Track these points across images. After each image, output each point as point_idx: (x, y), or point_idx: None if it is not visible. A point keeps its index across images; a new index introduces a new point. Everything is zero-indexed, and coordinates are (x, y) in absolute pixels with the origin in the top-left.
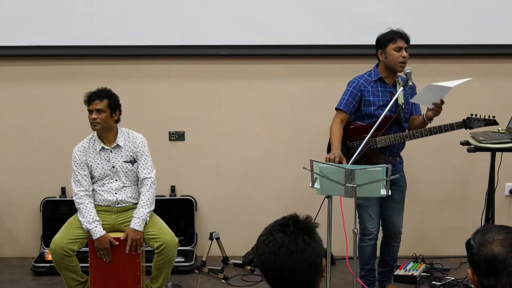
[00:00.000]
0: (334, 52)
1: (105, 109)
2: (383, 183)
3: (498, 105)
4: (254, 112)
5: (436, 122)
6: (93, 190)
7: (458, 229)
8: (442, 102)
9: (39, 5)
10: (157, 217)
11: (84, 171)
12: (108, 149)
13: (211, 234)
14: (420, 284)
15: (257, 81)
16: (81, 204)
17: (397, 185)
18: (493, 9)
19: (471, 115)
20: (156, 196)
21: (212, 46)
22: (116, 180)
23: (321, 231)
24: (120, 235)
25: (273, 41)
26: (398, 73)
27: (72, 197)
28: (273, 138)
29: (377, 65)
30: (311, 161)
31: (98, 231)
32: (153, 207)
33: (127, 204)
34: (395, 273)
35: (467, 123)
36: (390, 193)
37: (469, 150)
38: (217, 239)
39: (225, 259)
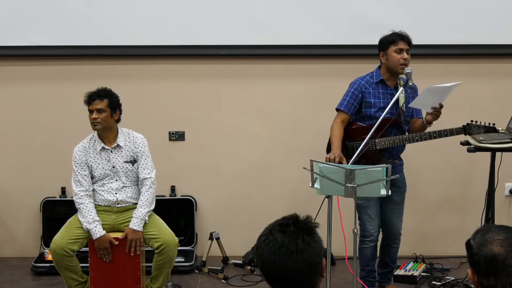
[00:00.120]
0: (334, 52)
1: (105, 109)
2: (383, 183)
3: (498, 105)
4: (254, 112)
5: (437, 123)
6: (93, 190)
7: (458, 229)
8: (441, 106)
9: (39, 5)
10: (157, 217)
11: (84, 171)
12: (108, 149)
13: (211, 234)
14: (420, 284)
15: (257, 81)
16: (81, 204)
17: (397, 186)
18: (493, 9)
19: (471, 121)
20: (156, 196)
21: (212, 46)
22: (116, 180)
23: (321, 231)
24: (120, 235)
25: (273, 41)
26: (400, 75)
27: (72, 197)
28: (273, 138)
29: (379, 67)
30: (311, 161)
31: (98, 231)
32: (152, 207)
33: (127, 204)
34: (395, 273)
35: (467, 129)
36: (390, 193)
37: (469, 150)
38: (217, 239)
39: (225, 259)
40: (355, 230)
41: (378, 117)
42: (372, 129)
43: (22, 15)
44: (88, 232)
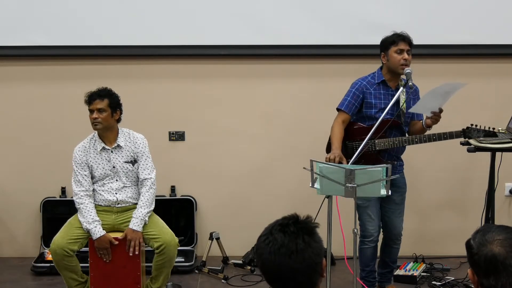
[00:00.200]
0: (334, 52)
1: (106, 109)
2: (383, 183)
3: (498, 105)
4: (254, 112)
5: (437, 126)
6: (93, 190)
7: (458, 229)
8: (440, 111)
9: (39, 5)
10: (157, 217)
11: (85, 171)
12: (108, 149)
13: (211, 234)
14: (420, 284)
15: (257, 81)
16: (81, 204)
17: (397, 186)
18: (493, 9)
19: (471, 125)
20: (156, 196)
21: (212, 46)
22: (116, 180)
23: (321, 231)
24: (120, 235)
25: (273, 41)
26: (401, 76)
27: (72, 197)
28: (273, 138)
29: (381, 68)
30: (311, 161)
31: (98, 231)
32: (152, 208)
33: (127, 204)
34: (395, 273)
35: (467, 133)
36: (390, 193)
37: (469, 150)
38: (217, 239)
39: (225, 259)
40: (355, 230)
41: (378, 118)
42: (371, 129)
43: (22, 15)
44: (88, 232)
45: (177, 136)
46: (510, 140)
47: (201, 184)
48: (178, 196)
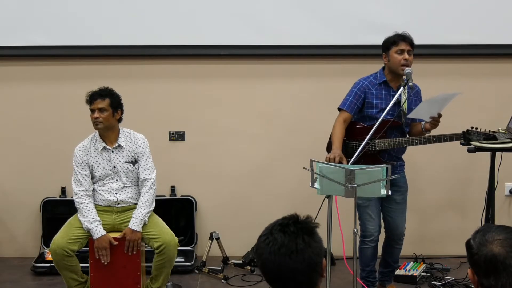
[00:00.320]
0: (334, 52)
1: (107, 108)
2: (383, 183)
3: (498, 105)
4: (254, 112)
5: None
6: (93, 190)
7: (458, 229)
8: (439, 115)
9: (39, 5)
10: (157, 217)
11: (85, 170)
12: (109, 149)
13: (211, 234)
14: (420, 284)
15: (257, 81)
16: (81, 204)
17: (398, 186)
18: (493, 9)
19: (471, 127)
20: (156, 196)
21: (212, 46)
22: (116, 180)
23: (321, 231)
24: (119, 235)
25: (273, 41)
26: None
27: (72, 197)
28: (273, 138)
29: (383, 68)
30: (311, 161)
31: (98, 231)
32: (152, 208)
33: (128, 204)
34: (395, 273)
35: (466, 136)
36: (390, 193)
37: (469, 150)
38: (217, 239)
39: (225, 259)
40: (355, 230)
41: (379, 118)
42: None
43: (22, 15)
44: (88, 231)
45: (177, 136)
46: (510, 140)
47: (201, 184)
48: (178, 196)
